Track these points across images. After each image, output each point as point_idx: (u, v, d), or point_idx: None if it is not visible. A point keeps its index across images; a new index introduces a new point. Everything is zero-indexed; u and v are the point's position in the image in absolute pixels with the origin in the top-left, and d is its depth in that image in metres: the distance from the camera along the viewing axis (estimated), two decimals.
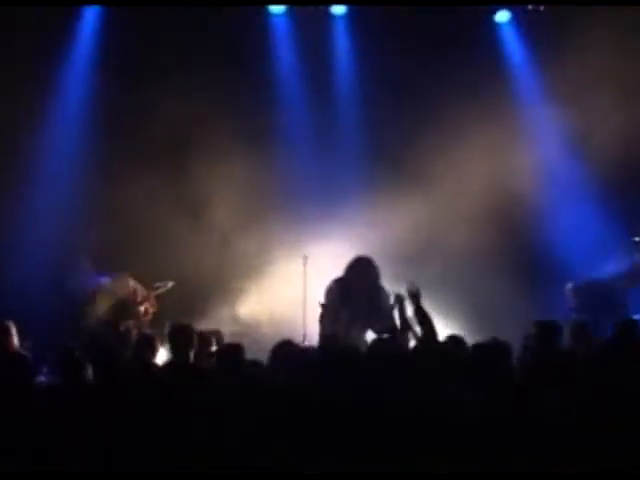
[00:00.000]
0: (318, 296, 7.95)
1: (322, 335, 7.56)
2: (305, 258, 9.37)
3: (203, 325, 8.14)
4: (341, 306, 7.68)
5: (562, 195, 10.00)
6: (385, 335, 7.07)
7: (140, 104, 9.61)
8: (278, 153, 10.16)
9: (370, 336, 7.60)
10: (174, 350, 6.18)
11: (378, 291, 7.74)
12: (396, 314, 7.23)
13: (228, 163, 9.65)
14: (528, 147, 10.02)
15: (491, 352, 5.37)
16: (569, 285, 9.22)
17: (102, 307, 9.11)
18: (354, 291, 7.72)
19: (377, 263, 7.84)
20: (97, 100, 9.96)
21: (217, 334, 7.51)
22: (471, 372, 5.26)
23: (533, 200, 9.95)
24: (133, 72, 9.90)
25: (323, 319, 7.73)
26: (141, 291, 9.35)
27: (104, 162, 9.76)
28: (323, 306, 7.73)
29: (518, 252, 9.91)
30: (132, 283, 9.35)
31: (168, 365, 6.20)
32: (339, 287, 7.80)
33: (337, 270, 8.04)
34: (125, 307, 9.21)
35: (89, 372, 5.53)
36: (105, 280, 9.32)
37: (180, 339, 6.18)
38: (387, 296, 7.58)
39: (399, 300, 7.15)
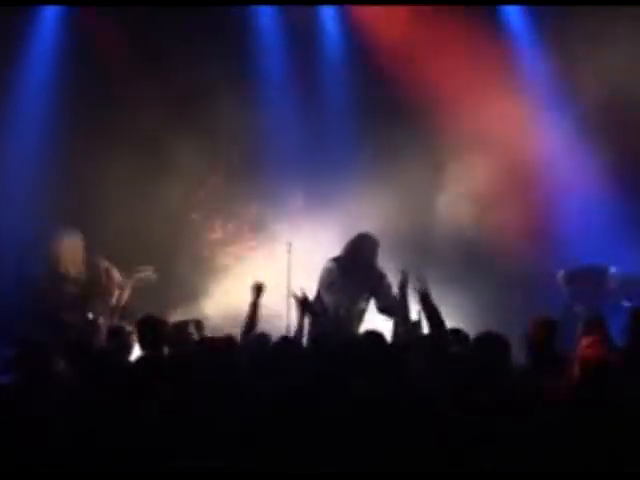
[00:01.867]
0: (303, 286, 7.61)
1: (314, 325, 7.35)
2: (289, 245, 8.94)
3: (180, 316, 7.77)
4: (344, 285, 7.63)
5: (574, 180, 9.69)
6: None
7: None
8: (260, 126, 9.87)
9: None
10: (143, 345, 5.85)
11: (380, 270, 7.71)
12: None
13: (209, 143, 9.47)
14: (538, 125, 9.72)
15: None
16: (560, 272, 8.89)
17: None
18: (358, 269, 7.65)
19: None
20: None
21: (197, 324, 7.08)
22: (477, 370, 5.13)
23: (544, 182, 9.68)
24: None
25: (318, 301, 7.61)
26: (117, 276, 8.80)
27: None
28: (326, 293, 7.62)
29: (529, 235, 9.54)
30: (105, 264, 8.80)
31: (140, 361, 5.81)
32: (340, 266, 7.72)
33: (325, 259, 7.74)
34: (94, 291, 8.68)
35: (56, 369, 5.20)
36: None
37: (148, 332, 5.85)
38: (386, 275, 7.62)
39: (402, 284, 7.01)
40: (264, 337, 5.90)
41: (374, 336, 5.46)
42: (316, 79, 10.24)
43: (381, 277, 7.77)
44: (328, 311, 7.69)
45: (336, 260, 7.87)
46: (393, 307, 7.41)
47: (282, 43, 10.20)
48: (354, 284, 7.75)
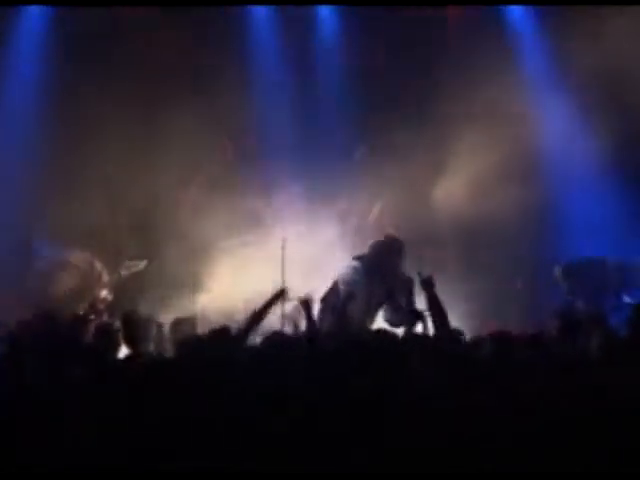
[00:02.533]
0: (298, 284, 7.48)
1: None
2: (284, 241, 8.74)
3: (172, 312, 7.63)
4: (364, 285, 7.55)
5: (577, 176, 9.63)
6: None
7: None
8: (253, 115, 9.76)
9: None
10: (127, 342, 5.72)
11: (401, 277, 7.62)
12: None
13: (196, 131, 9.24)
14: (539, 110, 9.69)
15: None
16: (558, 268, 8.74)
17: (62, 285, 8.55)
18: (380, 273, 7.58)
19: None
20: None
21: (189, 321, 6.95)
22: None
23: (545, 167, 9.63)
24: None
25: (332, 294, 7.54)
26: (104, 274, 8.75)
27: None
28: (344, 287, 7.54)
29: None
30: (99, 265, 8.75)
31: (127, 360, 5.68)
32: (364, 266, 7.64)
33: (324, 256, 7.60)
34: (86, 288, 8.60)
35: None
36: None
37: (131, 329, 5.73)
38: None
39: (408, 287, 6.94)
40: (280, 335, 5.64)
41: (383, 334, 5.36)
42: (313, 72, 10.16)
43: (400, 285, 7.64)
44: (341, 307, 7.58)
45: (361, 259, 7.78)
46: (400, 319, 7.35)
47: (278, 36, 10.13)
48: (374, 286, 7.65)
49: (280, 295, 6.59)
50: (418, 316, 6.72)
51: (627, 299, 8.36)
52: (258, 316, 6.27)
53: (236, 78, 9.59)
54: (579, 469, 4.38)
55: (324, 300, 7.58)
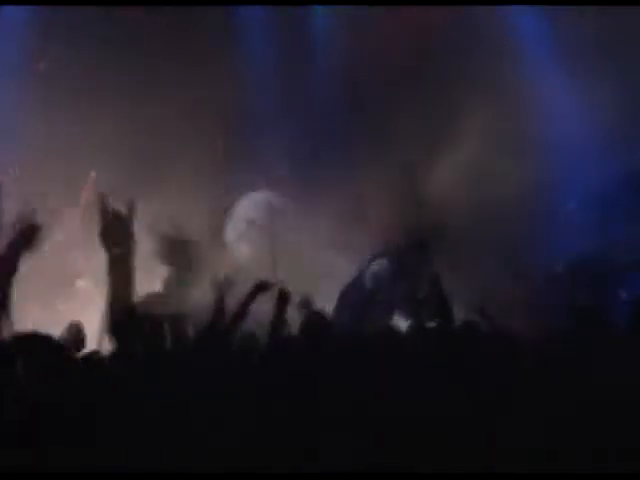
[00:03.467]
0: (290, 268, 7.38)
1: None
2: (276, 236, 8.70)
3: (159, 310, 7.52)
4: (389, 287, 7.71)
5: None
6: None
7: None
8: (249, 113, 9.88)
9: None
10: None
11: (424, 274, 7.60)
12: None
13: (192, 129, 9.40)
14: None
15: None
16: (560, 267, 8.64)
17: None
18: (405, 272, 7.75)
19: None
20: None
21: (180, 319, 6.83)
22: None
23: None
24: None
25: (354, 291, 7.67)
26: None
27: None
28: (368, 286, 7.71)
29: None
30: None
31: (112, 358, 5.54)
32: (391, 268, 7.87)
33: (318, 251, 7.47)
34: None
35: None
36: None
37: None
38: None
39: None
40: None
41: (390, 330, 5.37)
42: (311, 70, 10.24)
43: (420, 283, 7.65)
44: (359, 304, 7.53)
45: (386, 259, 7.88)
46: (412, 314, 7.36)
47: (275, 35, 10.23)
48: (396, 286, 7.81)
49: (261, 289, 6.49)
50: (428, 311, 6.71)
51: (627, 295, 8.30)
52: (240, 311, 6.18)
53: (234, 77, 9.63)
54: (580, 468, 4.33)
55: (343, 297, 7.57)
